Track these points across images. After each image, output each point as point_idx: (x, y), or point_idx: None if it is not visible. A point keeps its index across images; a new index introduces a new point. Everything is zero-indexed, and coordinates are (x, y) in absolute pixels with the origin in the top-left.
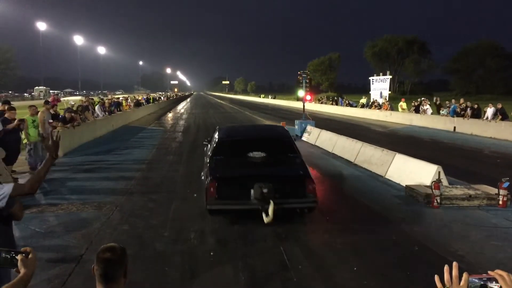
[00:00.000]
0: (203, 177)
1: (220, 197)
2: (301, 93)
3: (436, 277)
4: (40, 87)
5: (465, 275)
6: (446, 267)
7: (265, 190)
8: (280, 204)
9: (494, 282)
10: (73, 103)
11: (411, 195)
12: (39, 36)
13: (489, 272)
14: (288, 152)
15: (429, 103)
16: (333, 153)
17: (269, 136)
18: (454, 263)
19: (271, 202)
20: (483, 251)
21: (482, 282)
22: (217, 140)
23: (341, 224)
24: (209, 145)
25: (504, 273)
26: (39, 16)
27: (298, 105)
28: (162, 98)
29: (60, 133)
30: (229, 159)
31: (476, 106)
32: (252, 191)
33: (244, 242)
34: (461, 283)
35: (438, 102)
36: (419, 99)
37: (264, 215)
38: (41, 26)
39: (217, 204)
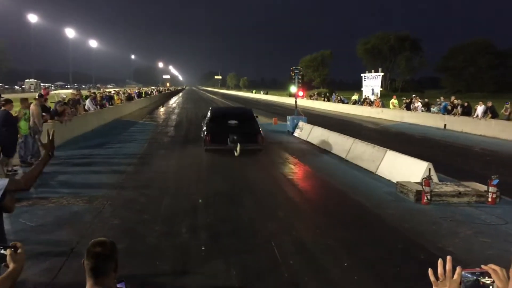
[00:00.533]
0: (202, 135)
1: (212, 142)
2: (293, 89)
3: (430, 271)
4: (30, 80)
5: (458, 269)
6: (440, 261)
7: (235, 138)
8: (243, 146)
9: (487, 276)
10: (64, 96)
11: (402, 191)
12: (30, 28)
13: (482, 266)
14: (250, 121)
15: (420, 100)
16: (324, 149)
17: (240, 113)
18: (448, 257)
19: (239, 144)
20: (472, 248)
21: (475, 277)
22: (210, 114)
23: (332, 220)
24: (205, 118)
25: (497, 268)
26: (30, 8)
27: (290, 101)
28: (154, 92)
29: (51, 126)
30: (217, 124)
31: (466, 104)
32: (228, 139)
33: (236, 237)
34: (454, 277)
35: (426, 101)
36: (411, 97)
37: (235, 152)
38: (32, 18)
39: (210, 146)
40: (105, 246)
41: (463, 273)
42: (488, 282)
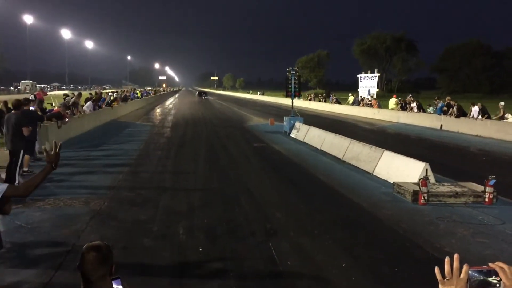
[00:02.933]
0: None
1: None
2: (289, 89)
3: (436, 269)
4: (26, 81)
5: (465, 267)
6: (447, 259)
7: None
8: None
9: (494, 275)
10: (66, 97)
11: (399, 191)
12: (26, 29)
13: (489, 264)
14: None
15: (415, 101)
16: (321, 150)
17: (204, 91)
18: (456, 255)
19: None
20: (469, 248)
21: (482, 276)
22: (197, 92)
23: (329, 220)
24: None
25: (505, 266)
26: (26, 9)
27: (286, 101)
28: (150, 93)
29: (48, 127)
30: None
31: (456, 105)
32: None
33: (233, 238)
34: (461, 276)
35: (418, 103)
36: (407, 97)
37: None
38: (28, 19)
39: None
40: (99, 251)
41: (469, 271)
42: (495, 281)
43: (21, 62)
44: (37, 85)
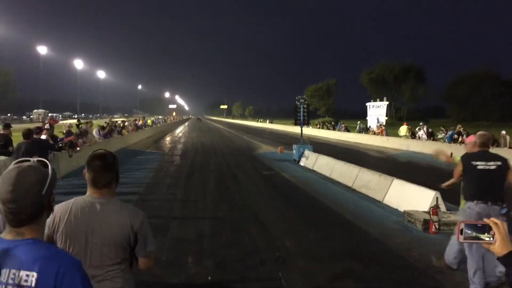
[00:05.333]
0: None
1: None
2: (298, 117)
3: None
4: (38, 110)
5: (459, 224)
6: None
7: (199, 118)
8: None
9: (487, 230)
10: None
11: (409, 220)
12: (39, 59)
13: (484, 219)
14: (200, 119)
15: (425, 129)
16: (331, 178)
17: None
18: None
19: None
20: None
21: (475, 233)
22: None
23: (338, 249)
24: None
25: (498, 221)
26: (40, 40)
27: (295, 129)
28: (161, 122)
29: (59, 156)
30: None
31: (466, 133)
32: None
33: (242, 266)
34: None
35: (430, 130)
36: (418, 125)
37: None
38: (42, 49)
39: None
40: (105, 159)
41: (463, 225)
42: (487, 238)
43: (34, 92)
44: (49, 114)
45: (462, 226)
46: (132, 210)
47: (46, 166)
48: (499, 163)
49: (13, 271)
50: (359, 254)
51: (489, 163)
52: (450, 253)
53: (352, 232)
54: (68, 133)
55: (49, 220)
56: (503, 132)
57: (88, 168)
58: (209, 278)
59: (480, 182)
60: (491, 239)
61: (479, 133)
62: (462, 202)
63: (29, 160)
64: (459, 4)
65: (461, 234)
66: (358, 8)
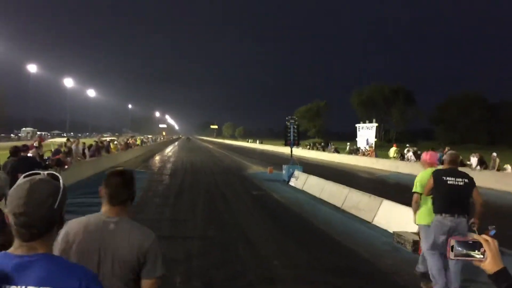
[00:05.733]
0: None
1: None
2: (288, 138)
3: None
4: (27, 128)
5: (450, 239)
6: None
7: (189, 138)
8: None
9: (478, 248)
10: (59, 145)
11: (399, 241)
12: (29, 77)
13: (474, 236)
14: (189, 138)
15: (412, 151)
16: (320, 198)
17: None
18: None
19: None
20: None
21: (465, 250)
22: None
23: (328, 269)
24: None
25: (489, 238)
26: (30, 57)
27: (285, 150)
28: (150, 141)
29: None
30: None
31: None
32: None
33: (231, 287)
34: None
35: (419, 153)
36: (405, 147)
37: None
38: (32, 68)
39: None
40: (124, 175)
41: (455, 242)
42: (478, 256)
43: (23, 110)
44: (38, 132)
45: (453, 242)
46: (143, 230)
47: (57, 179)
48: (466, 180)
49: (30, 287)
50: (349, 275)
51: (457, 179)
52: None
53: (341, 252)
54: (56, 151)
55: (61, 237)
56: (494, 154)
57: (106, 185)
58: None
59: (449, 196)
60: (482, 256)
61: (448, 152)
62: (418, 216)
63: (39, 173)
64: (448, 31)
65: (452, 251)
66: (348, 33)
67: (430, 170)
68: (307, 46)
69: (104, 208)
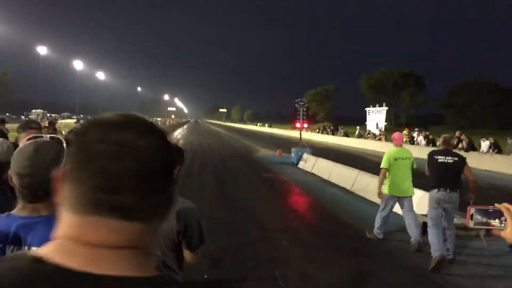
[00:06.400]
0: None
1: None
2: (298, 119)
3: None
4: (37, 110)
5: (469, 208)
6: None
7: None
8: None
9: (498, 216)
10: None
11: None
12: (39, 59)
13: (495, 204)
14: (196, 121)
15: (423, 135)
16: (329, 181)
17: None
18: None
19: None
20: (482, 280)
21: (485, 219)
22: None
23: (337, 250)
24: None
25: (510, 206)
26: (40, 40)
27: (294, 134)
28: (159, 124)
29: None
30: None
31: (467, 139)
32: None
33: (239, 265)
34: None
35: (430, 137)
36: (414, 131)
37: None
38: (42, 50)
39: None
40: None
41: (474, 211)
42: (498, 224)
43: (33, 92)
44: (48, 114)
45: (472, 211)
46: (183, 202)
47: (60, 143)
48: (456, 158)
49: (33, 248)
50: (357, 255)
51: (447, 158)
52: (377, 224)
53: (350, 234)
54: (70, 133)
55: None
56: (510, 140)
57: None
58: (206, 276)
59: (439, 173)
60: (502, 225)
61: (442, 135)
62: (384, 187)
63: (42, 137)
64: (460, 16)
65: (471, 219)
66: (359, 17)
67: (396, 149)
68: (317, 29)
69: None
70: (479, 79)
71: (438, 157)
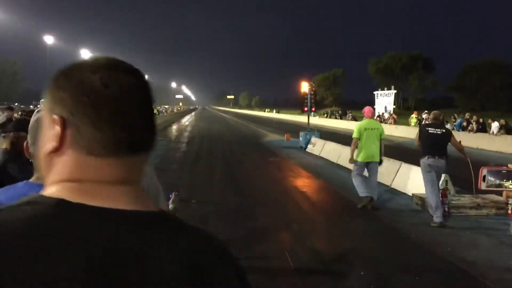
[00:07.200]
0: None
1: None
2: (305, 104)
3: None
4: (44, 100)
5: (482, 170)
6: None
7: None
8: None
9: (510, 180)
10: None
11: (417, 203)
12: (46, 49)
13: (509, 165)
14: (205, 108)
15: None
16: (338, 164)
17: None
18: None
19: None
20: (493, 258)
21: (498, 181)
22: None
23: (346, 231)
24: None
25: None
26: (47, 29)
27: (302, 119)
28: (167, 111)
29: None
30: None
31: (481, 120)
32: None
33: (249, 247)
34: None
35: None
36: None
37: None
38: (48, 39)
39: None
40: None
41: (486, 172)
42: (511, 186)
43: (41, 82)
44: None
45: (484, 172)
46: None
47: None
48: (443, 130)
49: None
50: (367, 235)
51: (437, 130)
52: (359, 189)
53: (359, 214)
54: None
55: None
56: None
57: None
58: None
59: (429, 142)
60: None
61: (433, 112)
62: (356, 155)
63: None
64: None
65: (484, 181)
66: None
67: (366, 121)
68: (324, 15)
69: None
70: (489, 60)
71: (429, 129)
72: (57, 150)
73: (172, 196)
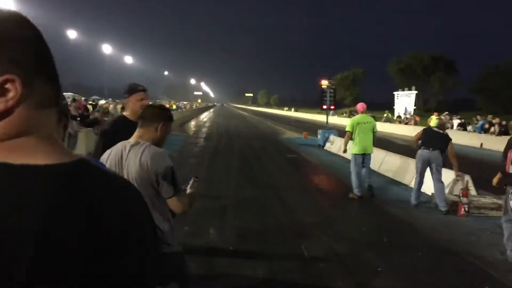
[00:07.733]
0: None
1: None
2: (325, 101)
3: None
4: (67, 93)
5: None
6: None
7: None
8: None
9: None
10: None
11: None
12: (67, 43)
13: None
14: (223, 104)
15: (456, 118)
16: None
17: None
18: None
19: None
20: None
21: None
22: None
23: (364, 228)
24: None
25: None
26: (68, 23)
27: (320, 118)
28: (186, 107)
29: (84, 133)
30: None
31: (504, 122)
32: None
33: (264, 240)
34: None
35: (463, 121)
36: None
37: None
38: (72, 34)
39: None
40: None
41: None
42: None
43: (62, 76)
44: (77, 97)
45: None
46: (156, 153)
47: None
48: (445, 134)
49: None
50: (384, 233)
51: (439, 130)
52: (354, 185)
53: (377, 212)
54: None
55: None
56: None
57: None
58: (231, 248)
59: (429, 137)
60: None
61: (441, 118)
62: (350, 148)
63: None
64: None
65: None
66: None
67: (358, 116)
68: (344, 13)
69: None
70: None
71: (434, 128)
72: None
73: (191, 181)
